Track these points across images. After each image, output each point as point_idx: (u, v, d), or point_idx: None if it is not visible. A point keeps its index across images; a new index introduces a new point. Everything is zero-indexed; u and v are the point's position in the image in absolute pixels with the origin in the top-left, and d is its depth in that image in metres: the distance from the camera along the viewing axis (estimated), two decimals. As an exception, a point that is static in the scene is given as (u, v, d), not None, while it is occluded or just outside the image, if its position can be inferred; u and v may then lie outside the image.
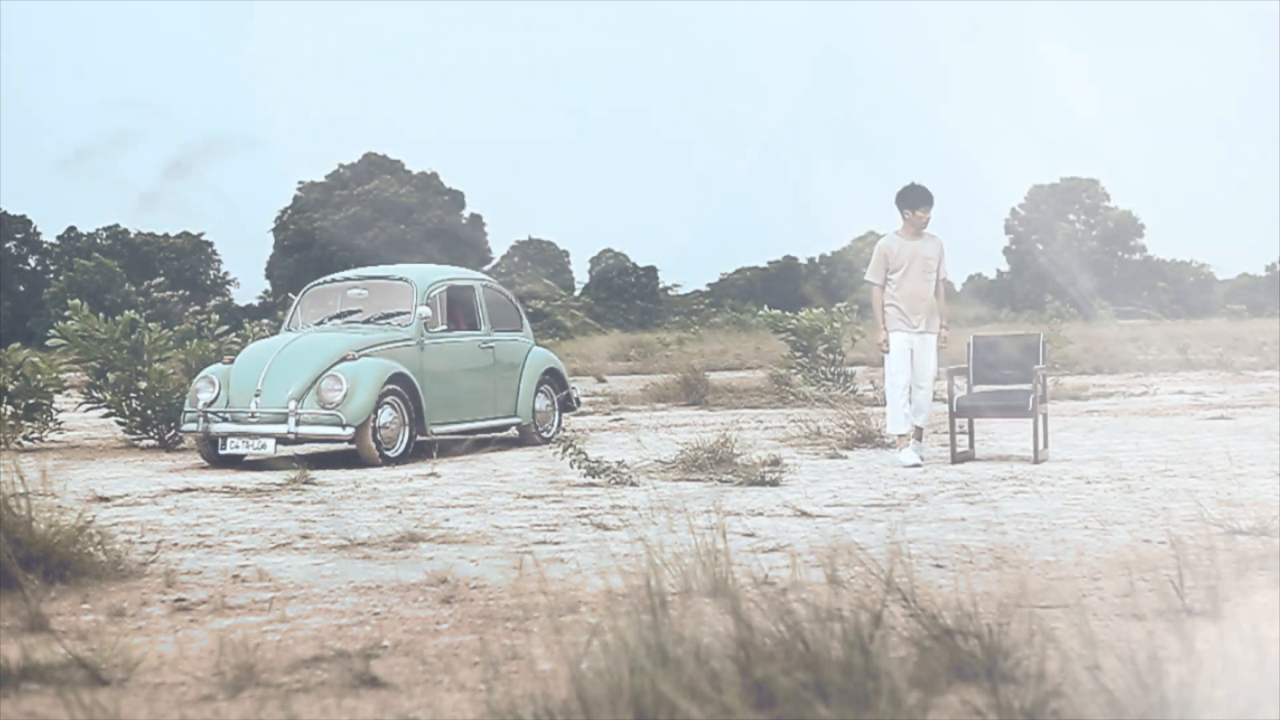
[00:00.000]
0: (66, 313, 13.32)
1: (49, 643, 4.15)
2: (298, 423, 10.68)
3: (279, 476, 9.61)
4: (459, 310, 12.32)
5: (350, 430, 10.61)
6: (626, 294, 67.49)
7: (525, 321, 13.28)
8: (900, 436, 9.94)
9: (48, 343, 13.52)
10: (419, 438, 11.28)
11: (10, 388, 13.15)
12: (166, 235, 70.51)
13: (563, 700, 3.13)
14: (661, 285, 70.41)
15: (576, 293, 64.39)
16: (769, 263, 77.29)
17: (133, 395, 12.85)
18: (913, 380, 10.00)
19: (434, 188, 68.17)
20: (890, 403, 10.02)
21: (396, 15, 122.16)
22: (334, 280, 12.62)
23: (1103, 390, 18.68)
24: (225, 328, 14.66)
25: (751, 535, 6.41)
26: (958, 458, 9.95)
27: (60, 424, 13.61)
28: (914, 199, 10.00)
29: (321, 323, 11.96)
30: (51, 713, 3.56)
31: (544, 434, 12.78)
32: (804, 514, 7.18)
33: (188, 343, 13.92)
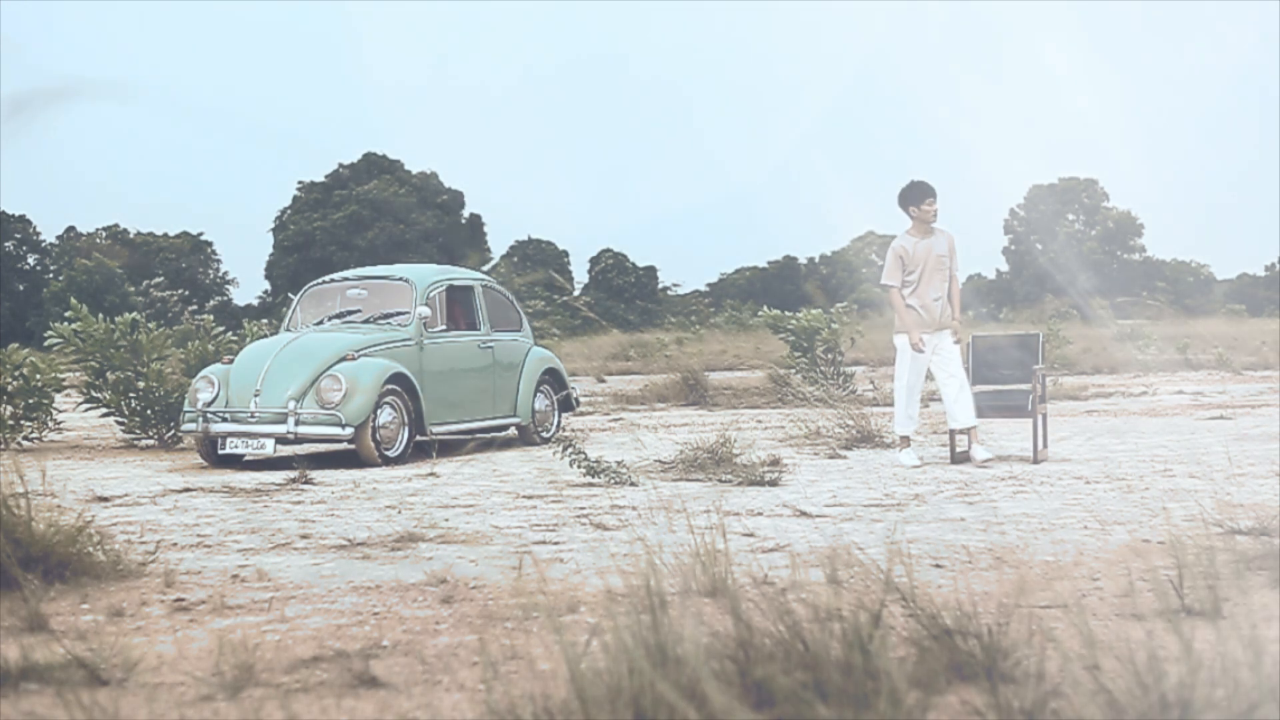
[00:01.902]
0: (67, 313, 13.31)
1: (48, 643, 4.14)
2: (297, 423, 10.67)
3: (279, 476, 9.61)
4: (459, 310, 12.32)
5: (350, 430, 10.61)
6: (626, 294, 67.47)
7: (525, 321, 13.28)
8: (902, 438, 9.91)
9: (45, 343, 13.53)
10: (418, 438, 11.28)
11: (10, 388, 13.14)
12: (166, 235, 70.50)
13: (562, 700, 3.13)
14: (661, 285, 70.40)
15: (576, 292, 64.33)
16: (769, 263, 77.37)
17: (132, 395, 12.86)
18: (940, 379, 9.91)
19: (434, 188, 68.10)
20: (896, 404, 9.98)
21: (397, 14, 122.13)
22: (333, 280, 12.62)
23: (1102, 390, 18.69)
24: (221, 328, 14.68)
25: (751, 535, 6.41)
26: (957, 458, 9.95)
27: (60, 424, 13.60)
28: (919, 194, 9.85)
29: (321, 323, 11.95)
30: (51, 713, 3.55)
31: (543, 434, 12.78)
32: (803, 514, 7.18)
33: (188, 343, 13.92)
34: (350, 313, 12.00)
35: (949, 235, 10.01)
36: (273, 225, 69.04)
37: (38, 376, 13.17)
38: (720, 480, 8.74)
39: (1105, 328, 33.90)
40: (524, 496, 8.30)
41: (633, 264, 69.91)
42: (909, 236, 9.92)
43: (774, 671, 3.05)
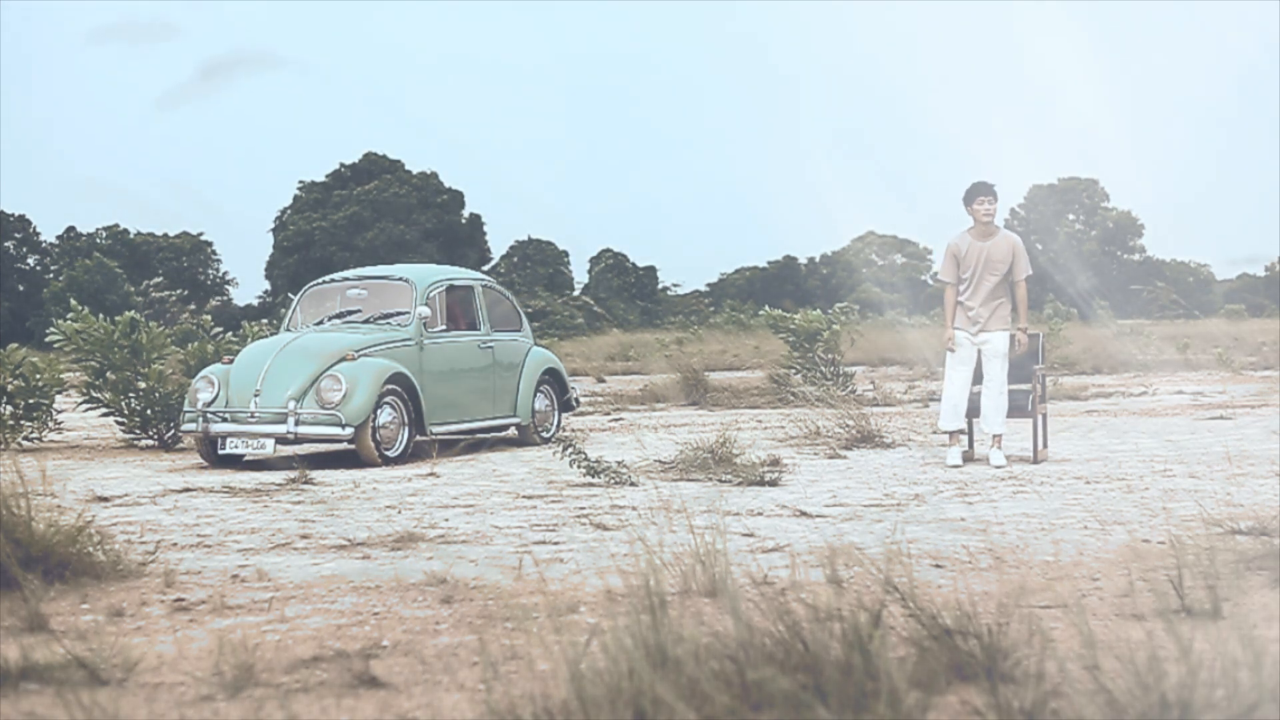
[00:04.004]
0: (70, 315, 13.30)
1: (48, 643, 4.14)
2: (297, 423, 10.67)
3: (279, 476, 9.61)
4: (458, 310, 12.32)
5: (349, 430, 10.60)
6: (626, 294, 67.45)
7: (525, 321, 13.28)
8: (951, 435, 9.88)
9: (47, 339, 13.51)
10: (418, 438, 11.27)
11: (10, 388, 13.14)
12: (166, 235, 70.48)
13: (562, 700, 3.13)
14: (661, 285, 70.39)
15: (576, 292, 64.35)
16: (769, 263, 77.32)
17: (132, 395, 12.85)
18: (984, 380, 9.81)
19: (434, 188, 68.09)
20: (944, 399, 9.93)
21: (397, 14, 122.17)
22: (334, 280, 12.62)
23: (1102, 390, 18.69)
24: (219, 328, 14.68)
25: (751, 535, 6.41)
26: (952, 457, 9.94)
27: (60, 424, 13.60)
28: (970, 193, 9.73)
29: (321, 323, 11.95)
30: (51, 713, 3.55)
31: (543, 434, 12.78)
32: (803, 514, 7.18)
33: (188, 343, 13.91)
34: (350, 313, 12.00)
35: (1012, 240, 9.84)
36: (273, 225, 69.05)
37: (38, 376, 13.16)
38: (720, 480, 8.74)
39: (1105, 328, 33.91)
40: (524, 496, 8.30)
41: (633, 264, 69.89)
42: (966, 235, 9.81)
43: (773, 673, 3.04)
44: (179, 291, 56.54)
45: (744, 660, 3.17)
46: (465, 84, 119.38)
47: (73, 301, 13.81)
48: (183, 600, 5.07)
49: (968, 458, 10.08)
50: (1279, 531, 5.71)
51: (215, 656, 4.06)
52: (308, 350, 11.11)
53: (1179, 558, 4.48)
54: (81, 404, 13.44)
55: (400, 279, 12.10)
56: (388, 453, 10.85)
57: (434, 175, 68.87)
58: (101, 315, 13.55)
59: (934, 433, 11.80)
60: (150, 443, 13.00)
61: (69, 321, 13.18)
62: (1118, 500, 7.51)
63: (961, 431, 9.89)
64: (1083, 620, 3.62)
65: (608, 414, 16.72)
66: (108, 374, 13.02)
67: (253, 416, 10.77)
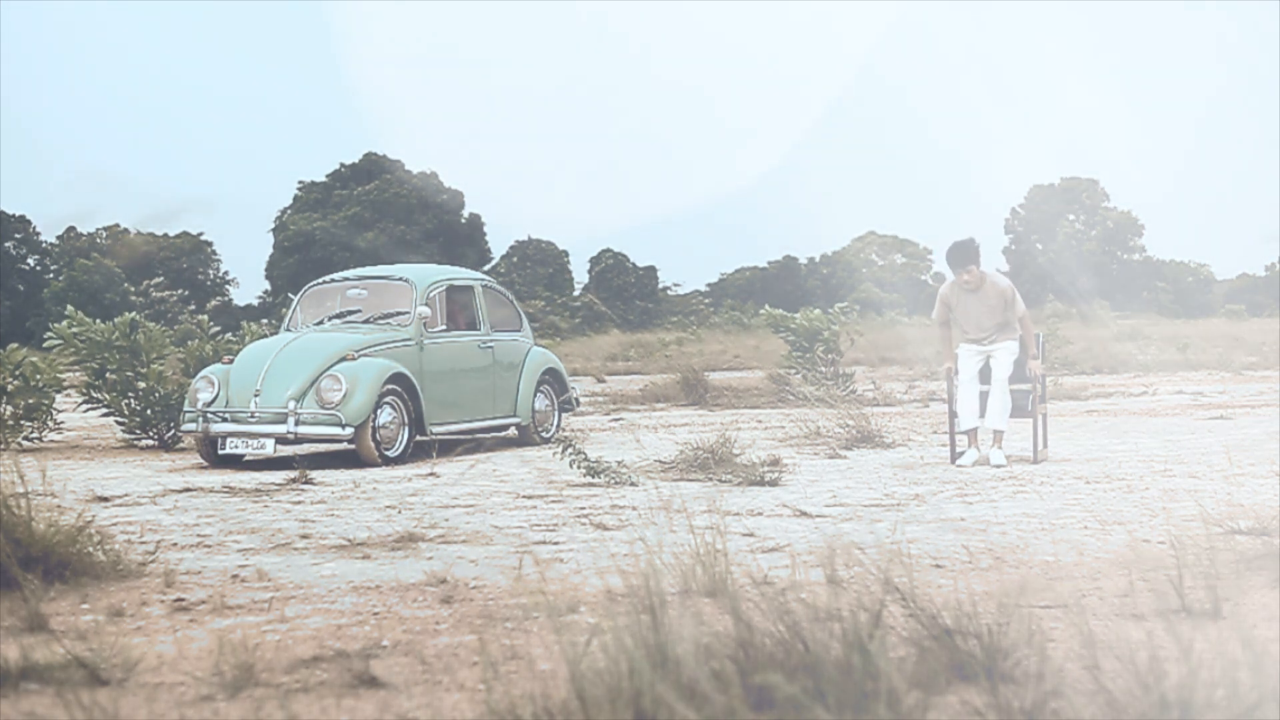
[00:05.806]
0: (65, 320, 13.30)
1: (48, 643, 4.14)
2: (297, 423, 10.67)
3: (279, 476, 9.61)
4: (458, 310, 12.32)
5: (350, 430, 10.60)
6: (626, 294, 67.45)
7: (525, 321, 13.28)
8: (969, 432, 9.91)
9: (44, 345, 13.52)
10: (418, 438, 11.28)
11: (10, 388, 13.14)
12: (166, 235, 70.45)
13: (562, 700, 3.13)
14: (661, 285, 70.40)
15: (576, 292, 64.37)
16: (769, 263, 77.31)
17: (132, 395, 12.85)
18: (991, 380, 9.93)
19: (434, 188, 68.06)
20: (958, 404, 9.97)
21: (397, 14, 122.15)
22: (334, 280, 12.62)
23: (1102, 390, 18.69)
24: (217, 327, 14.69)
25: (751, 535, 6.41)
26: (957, 458, 9.94)
27: (60, 424, 13.60)
28: (954, 263, 9.87)
29: (321, 323, 11.95)
30: (51, 713, 3.55)
31: (543, 434, 12.78)
32: (803, 514, 7.18)
33: (187, 342, 13.91)
34: (350, 313, 12.00)
35: (1001, 287, 9.97)
36: (273, 225, 69.02)
37: (38, 376, 13.16)
38: (720, 480, 8.74)
39: (1105, 328, 33.93)
40: (524, 496, 8.30)
41: (633, 264, 69.88)
42: (955, 287, 9.99)
43: (774, 675, 3.04)
44: (179, 291, 56.53)
45: (744, 660, 3.17)
46: (465, 83, 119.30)
47: (69, 308, 13.80)
48: (183, 600, 5.07)
49: (978, 460, 10.06)
50: (1279, 531, 5.71)
51: (215, 656, 4.06)
52: (308, 350, 11.12)
53: (1179, 558, 4.48)
54: (81, 404, 13.44)
55: (400, 279, 12.10)
56: (388, 453, 10.85)
57: (434, 175, 68.85)
58: (97, 319, 13.55)
59: (936, 431, 11.80)
60: (150, 443, 13.00)
61: (66, 324, 13.18)
62: (1118, 500, 7.51)
63: (977, 431, 9.91)
64: (1083, 620, 3.63)
65: (608, 414, 16.72)
66: (107, 374, 13.02)
67: (253, 416, 10.77)
